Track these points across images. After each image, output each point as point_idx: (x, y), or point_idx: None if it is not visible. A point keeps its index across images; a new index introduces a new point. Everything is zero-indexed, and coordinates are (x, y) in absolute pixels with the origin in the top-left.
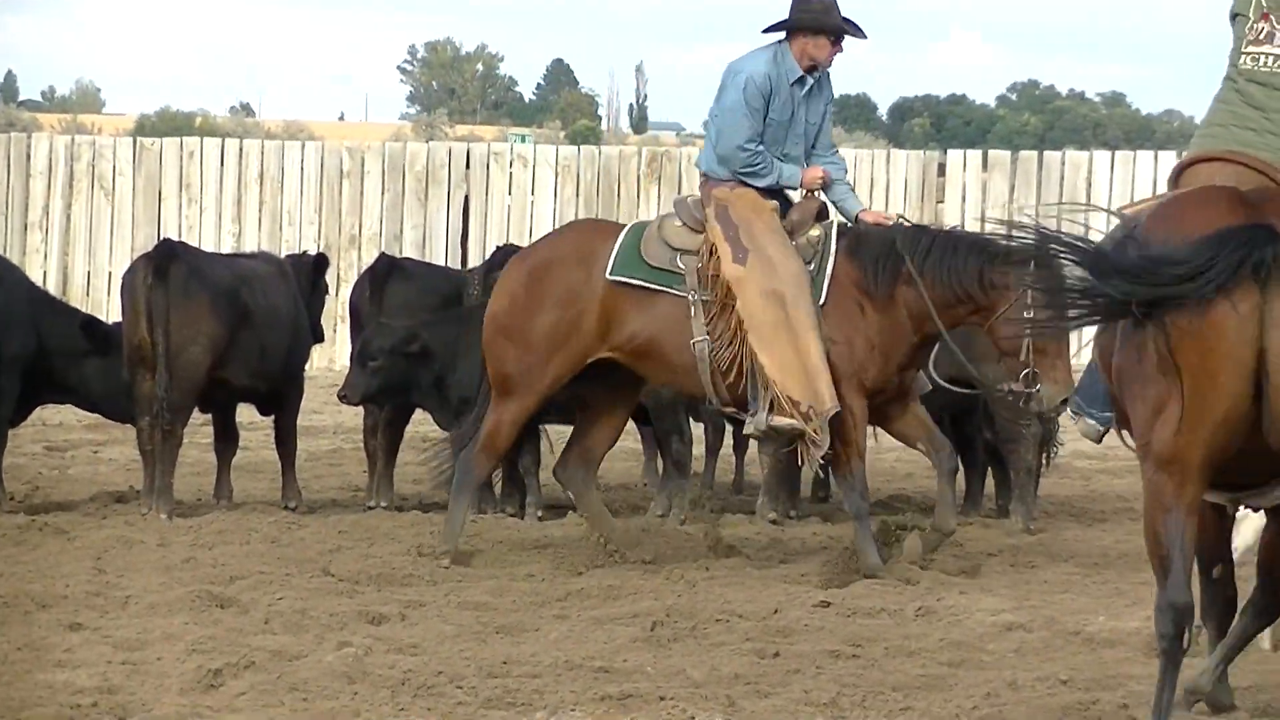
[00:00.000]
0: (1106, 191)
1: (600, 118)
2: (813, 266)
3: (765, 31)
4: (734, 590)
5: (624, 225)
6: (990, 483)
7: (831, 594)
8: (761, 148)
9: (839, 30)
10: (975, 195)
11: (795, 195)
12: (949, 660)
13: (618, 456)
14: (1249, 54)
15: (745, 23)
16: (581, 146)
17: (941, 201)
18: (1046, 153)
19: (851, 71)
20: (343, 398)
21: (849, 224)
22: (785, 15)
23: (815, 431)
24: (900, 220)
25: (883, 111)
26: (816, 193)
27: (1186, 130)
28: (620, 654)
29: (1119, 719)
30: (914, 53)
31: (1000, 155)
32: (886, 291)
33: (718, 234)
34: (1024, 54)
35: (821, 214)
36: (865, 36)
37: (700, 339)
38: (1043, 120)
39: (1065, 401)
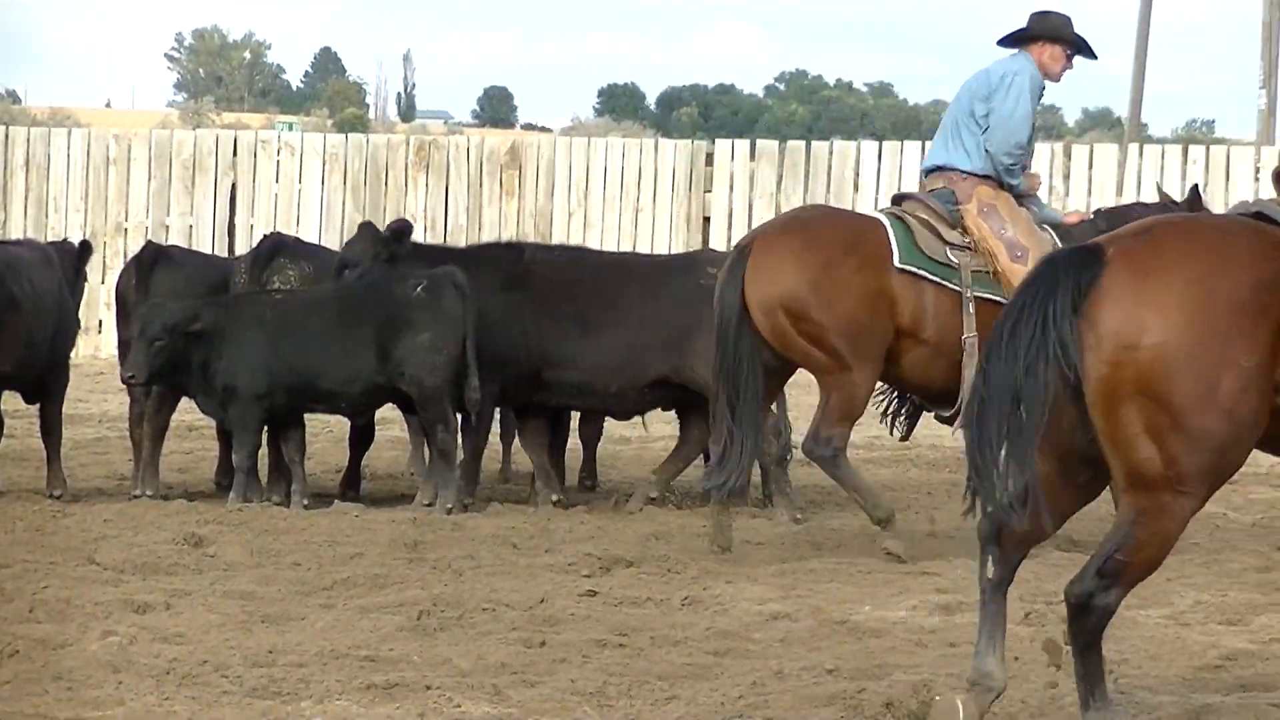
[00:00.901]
0: (874, 182)
1: (368, 106)
2: None
3: (1001, 43)
4: (500, 579)
5: (864, 214)
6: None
7: (598, 583)
8: (1028, 150)
9: (1076, 43)
10: (743, 185)
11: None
12: (715, 649)
13: (384, 445)
14: None
15: (512, 12)
16: (349, 135)
17: (709, 191)
18: (814, 143)
19: (620, 60)
20: (129, 379)
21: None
22: (1023, 27)
23: None
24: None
25: (651, 101)
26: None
27: None
28: (386, 643)
29: (884, 708)
30: (682, 42)
31: (768, 145)
32: None
33: (987, 232)
34: (792, 44)
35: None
36: (1096, 57)
37: (970, 335)
38: (810, 110)
39: None
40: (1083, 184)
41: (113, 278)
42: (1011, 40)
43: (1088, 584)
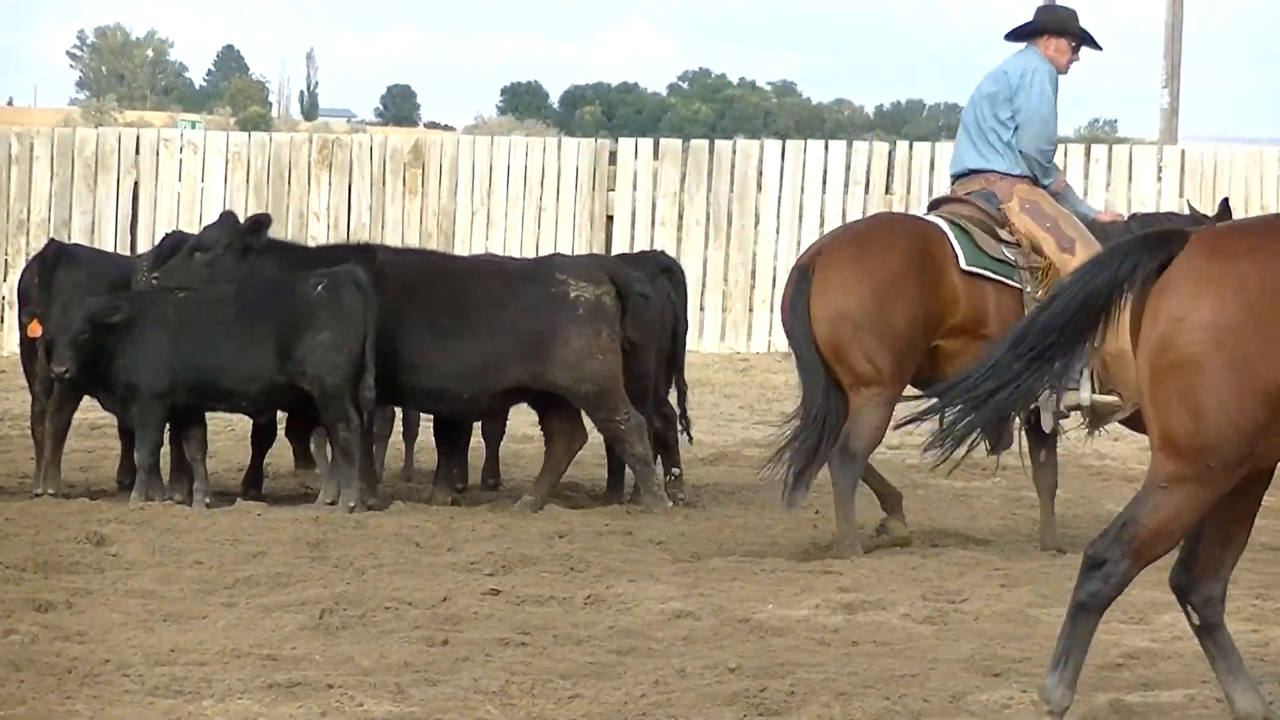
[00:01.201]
0: (777, 181)
1: (271, 104)
2: None
3: (1009, 37)
4: (403, 578)
5: (922, 219)
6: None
7: (501, 582)
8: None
9: (1083, 36)
10: (646, 184)
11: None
12: (618, 648)
13: (286, 444)
14: None
15: (414, 10)
16: (252, 133)
17: (613, 190)
18: (718, 141)
19: (523, 59)
20: (61, 374)
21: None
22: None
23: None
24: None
25: (554, 99)
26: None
27: (856, 119)
28: (289, 642)
29: (787, 706)
30: (585, 40)
31: (671, 144)
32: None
33: (1033, 228)
34: (695, 42)
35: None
36: (1101, 49)
37: None
38: (714, 109)
39: None
40: None
41: (14, 276)
42: (1017, 34)
43: (1106, 546)
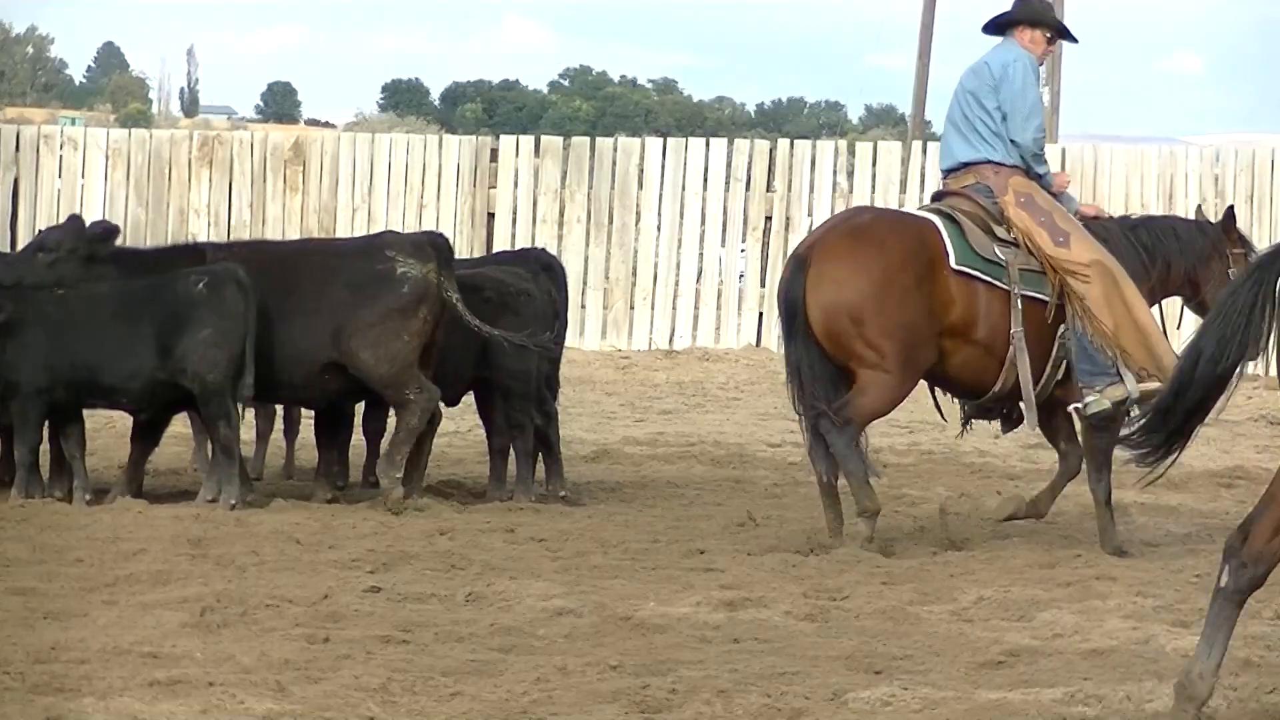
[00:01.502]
0: (658, 178)
1: (151, 101)
2: None
3: (986, 29)
4: (284, 575)
5: (916, 214)
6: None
7: (382, 579)
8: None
9: (1058, 27)
10: (527, 181)
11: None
12: (499, 646)
13: (166, 441)
14: None
15: (295, 7)
16: (133, 130)
17: (494, 187)
18: (599, 139)
19: (403, 56)
20: None
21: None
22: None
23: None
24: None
25: (435, 96)
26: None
27: (738, 117)
28: (169, 639)
29: (669, 704)
30: (467, 37)
31: (553, 141)
32: (1139, 276)
33: (1028, 220)
34: (576, 40)
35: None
36: (1077, 41)
37: (1018, 329)
38: (595, 106)
39: None
40: (866, 181)
41: None
42: (994, 25)
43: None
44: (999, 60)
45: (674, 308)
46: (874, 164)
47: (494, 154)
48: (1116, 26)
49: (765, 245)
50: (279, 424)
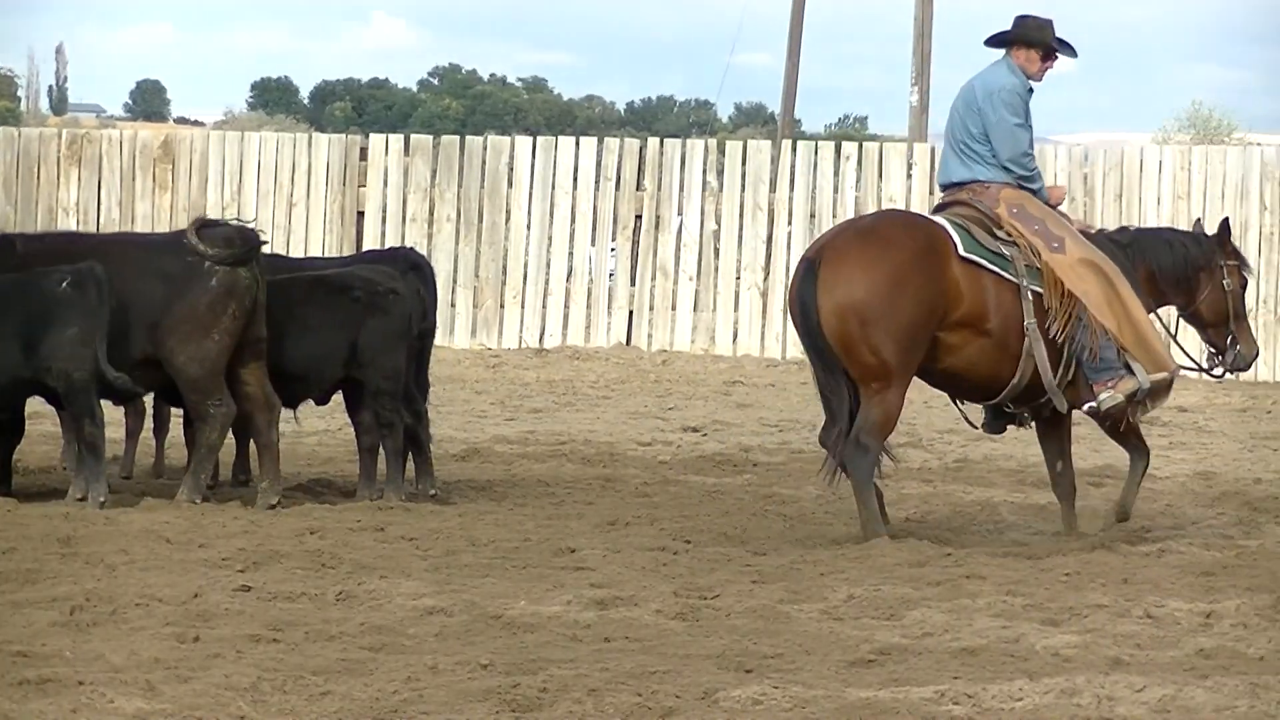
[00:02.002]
0: (528, 177)
1: (20, 99)
2: None
3: (987, 44)
4: (154, 574)
5: (925, 216)
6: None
7: (252, 578)
8: (1033, 155)
9: (1052, 46)
10: (397, 180)
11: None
12: (370, 645)
13: (36, 439)
14: None
15: (164, 5)
16: (0, 128)
17: (363, 186)
18: (469, 138)
19: (272, 54)
20: None
21: None
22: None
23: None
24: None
25: (304, 94)
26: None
27: (607, 115)
28: (39, 638)
29: (540, 702)
30: (335, 36)
31: (422, 140)
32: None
33: (1022, 229)
34: (446, 38)
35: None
36: (1076, 55)
37: (1031, 321)
38: (464, 105)
39: (1256, 354)
40: (736, 180)
41: None
42: (995, 41)
43: None
44: (984, 86)
45: (544, 306)
46: (744, 163)
47: (363, 153)
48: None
49: (635, 244)
50: (148, 422)
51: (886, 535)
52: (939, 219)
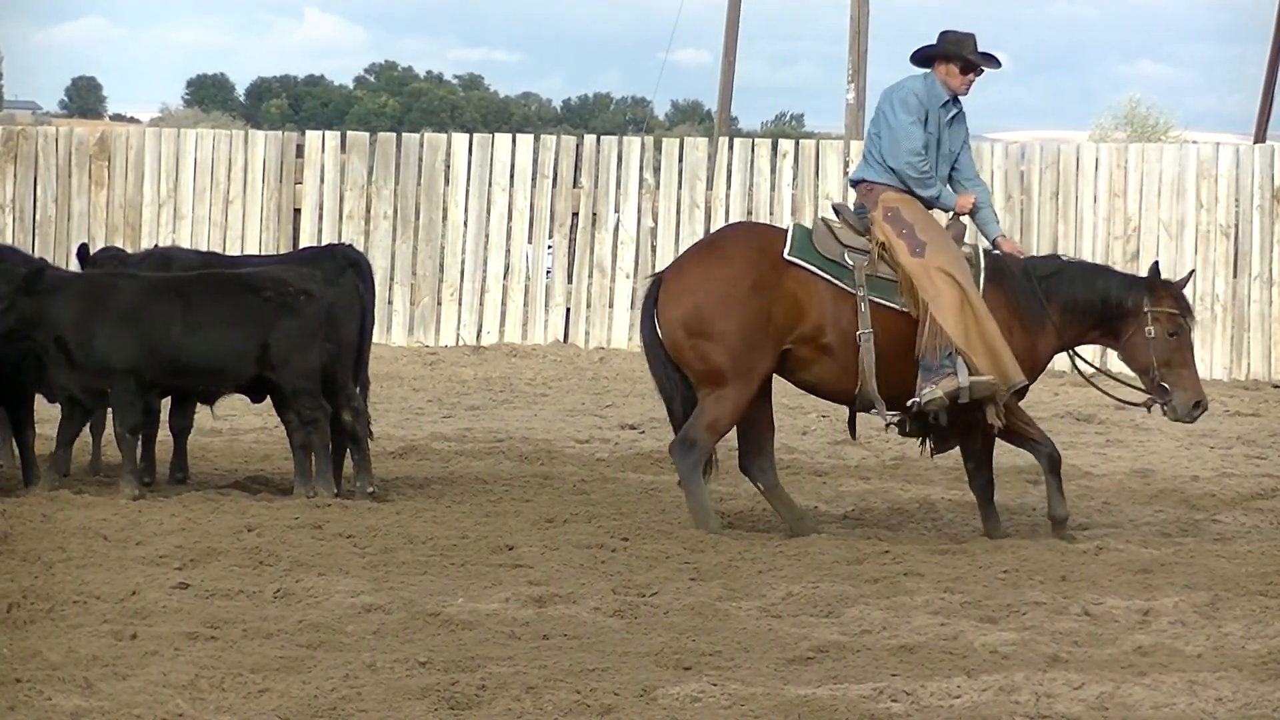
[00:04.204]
0: (465, 174)
1: None
2: None
3: (912, 60)
4: (91, 572)
5: (774, 226)
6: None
7: (189, 575)
8: (927, 158)
9: (971, 61)
10: (333, 177)
11: (941, 217)
12: (307, 642)
13: None
14: None
15: (101, 2)
16: None
17: (300, 183)
18: (405, 135)
19: (208, 51)
20: None
21: (988, 250)
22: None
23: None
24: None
25: (240, 91)
26: (963, 217)
27: (544, 113)
28: None
29: (478, 700)
30: (271, 33)
31: (359, 137)
32: (1033, 313)
33: (889, 232)
34: (381, 35)
35: (961, 238)
36: (999, 66)
37: (866, 331)
38: (401, 102)
39: (1198, 405)
40: (673, 177)
41: None
42: (919, 56)
43: None
44: (887, 93)
45: (481, 304)
46: (680, 160)
47: (300, 150)
48: (919, 22)
49: (572, 242)
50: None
51: (719, 526)
52: (790, 226)
